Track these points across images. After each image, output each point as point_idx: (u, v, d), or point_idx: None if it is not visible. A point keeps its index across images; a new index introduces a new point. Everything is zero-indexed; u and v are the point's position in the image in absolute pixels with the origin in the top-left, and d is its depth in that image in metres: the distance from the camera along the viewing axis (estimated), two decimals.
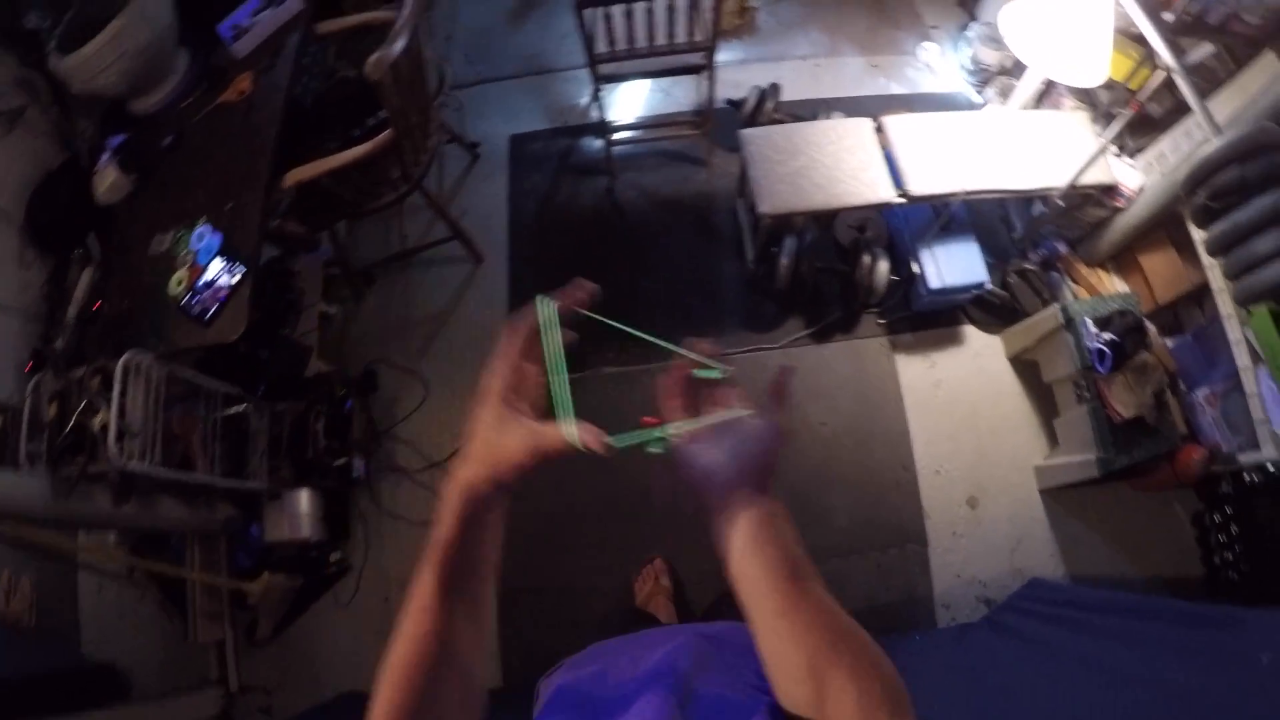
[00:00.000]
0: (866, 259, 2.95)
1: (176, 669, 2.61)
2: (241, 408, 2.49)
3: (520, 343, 0.72)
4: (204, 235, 2.25)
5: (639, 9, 2.57)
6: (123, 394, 1.95)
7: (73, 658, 2.53)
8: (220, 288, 2.17)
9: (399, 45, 2.17)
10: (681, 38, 2.71)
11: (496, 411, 0.69)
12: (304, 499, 2.59)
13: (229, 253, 2.20)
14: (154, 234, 2.32)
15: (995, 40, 3.41)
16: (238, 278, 2.18)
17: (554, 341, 0.72)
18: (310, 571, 2.70)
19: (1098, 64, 2.39)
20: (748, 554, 0.74)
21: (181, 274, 2.21)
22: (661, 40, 2.70)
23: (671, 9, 2.60)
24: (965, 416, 3.00)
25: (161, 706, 2.42)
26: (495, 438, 0.68)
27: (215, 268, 2.19)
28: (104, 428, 1.93)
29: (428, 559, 0.70)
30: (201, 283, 2.18)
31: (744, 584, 0.74)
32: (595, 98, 2.94)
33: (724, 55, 3.00)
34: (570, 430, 0.66)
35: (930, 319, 3.18)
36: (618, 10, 2.58)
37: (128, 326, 2.21)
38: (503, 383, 0.70)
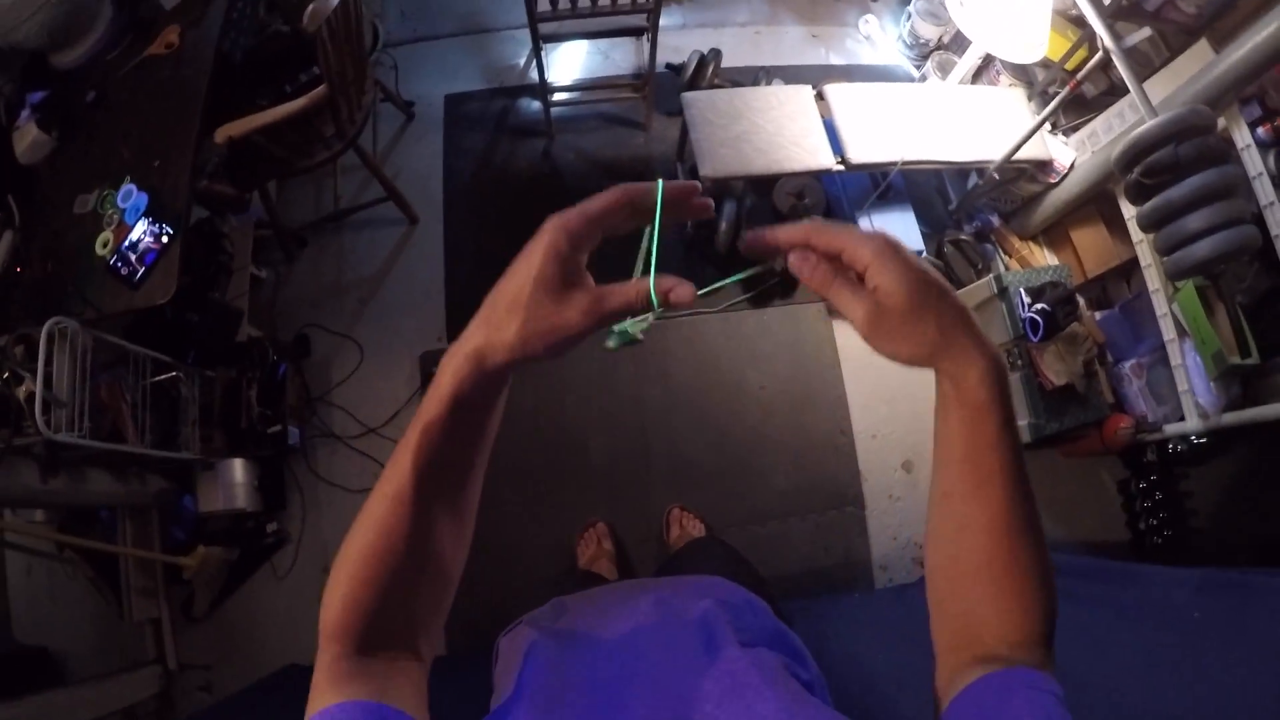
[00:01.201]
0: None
1: (112, 649, 2.54)
2: (171, 375, 2.41)
3: (622, 206, 0.62)
4: (130, 194, 2.17)
5: None
6: (48, 362, 1.88)
7: (3, 642, 2.46)
8: (148, 249, 2.10)
9: None
10: None
11: (555, 266, 0.58)
12: (238, 468, 2.53)
13: (157, 212, 2.12)
14: (78, 194, 2.23)
15: (935, 15, 3.46)
16: (166, 238, 2.10)
17: (655, 224, 0.65)
18: (247, 543, 2.65)
19: (1037, 41, 2.44)
20: (940, 419, 0.66)
21: (107, 235, 2.14)
22: (604, 0, 2.65)
23: None
24: (900, 382, 3.04)
25: (98, 688, 2.32)
26: (541, 296, 0.58)
27: (142, 228, 2.11)
28: (29, 398, 1.85)
29: (409, 440, 0.61)
30: (128, 243, 2.10)
31: (935, 445, 0.68)
32: (537, 56, 2.88)
33: (664, 20, 2.96)
34: (650, 285, 0.60)
35: None
36: None
37: (52, 291, 2.13)
38: (574, 237, 0.59)
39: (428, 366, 2.90)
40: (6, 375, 1.89)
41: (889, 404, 3.04)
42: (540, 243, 0.59)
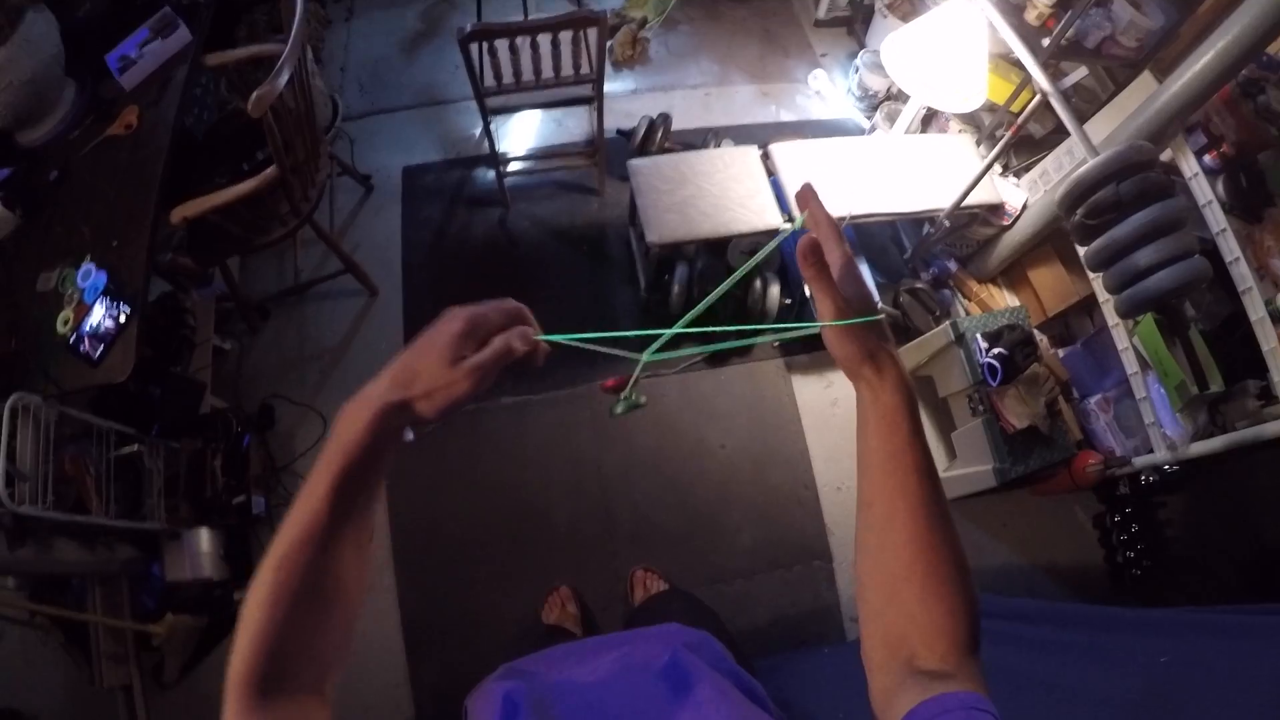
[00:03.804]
0: (758, 284, 2.99)
1: (85, 715, 2.55)
2: (135, 448, 2.45)
3: (512, 317, 0.72)
4: (89, 273, 2.21)
5: (523, 43, 2.57)
6: (11, 436, 1.92)
7: None
8: (107, 327, 2.14)
9: (281, 80, 2.16)
10: (568, 70, 2.73)
11: (457, 348, 0.67)
12: (204, 538, 2.55)
13: (115, 291, 2.16)
14: (41, 271, 2.27)
15: (880, 67, 3.47)
16: (124, 317, 2.15)
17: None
18: (214, 611, 2.65)
19: (973, 90, 2.46)
20: (860, 431, 0.77)
21: (68, 313, 2.18)
22: (549, 73, 2.70)
23: (556, 43, 2.60)
24: None
25: None
26: (443, 369, 0.67)
27: (101, 307, 2.15)
28: None
29: (323, 482, 0.67)
30: (88, 322, 2.14)
31: (857, 458, 0.77)
32: (486, 129, 2.94)
33: (616, 85, 3.01)
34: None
35: None
36: (502, 44, 2.58)
37: (15, 366, 2.16)
38: (477, 328, 0.69)
39: None
40: None
41: (852, 456, 2.95)
42: (449, 328, 0.68)
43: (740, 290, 3.05)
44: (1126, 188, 2.04)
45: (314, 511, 0.66)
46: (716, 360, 3.16)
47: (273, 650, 0.64)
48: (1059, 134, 2.85)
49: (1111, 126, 2.47)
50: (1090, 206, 2.11)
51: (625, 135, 3.51)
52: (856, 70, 3.67)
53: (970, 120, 3.12)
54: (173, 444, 2.59)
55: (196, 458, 2.62)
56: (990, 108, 2.86)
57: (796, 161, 2.85)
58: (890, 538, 0.70)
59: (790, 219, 0.71)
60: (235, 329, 3.09)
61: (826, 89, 3.87)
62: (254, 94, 2.10)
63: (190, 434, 2.64)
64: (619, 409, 0.84)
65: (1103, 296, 2.57)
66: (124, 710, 2.54)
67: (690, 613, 1.41)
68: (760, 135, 3.19)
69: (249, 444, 2.71)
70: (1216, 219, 2.26)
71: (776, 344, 3.17)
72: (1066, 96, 2.38)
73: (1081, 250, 2.34)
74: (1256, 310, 2.17)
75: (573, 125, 3.67)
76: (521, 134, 3.71)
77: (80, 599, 2.51)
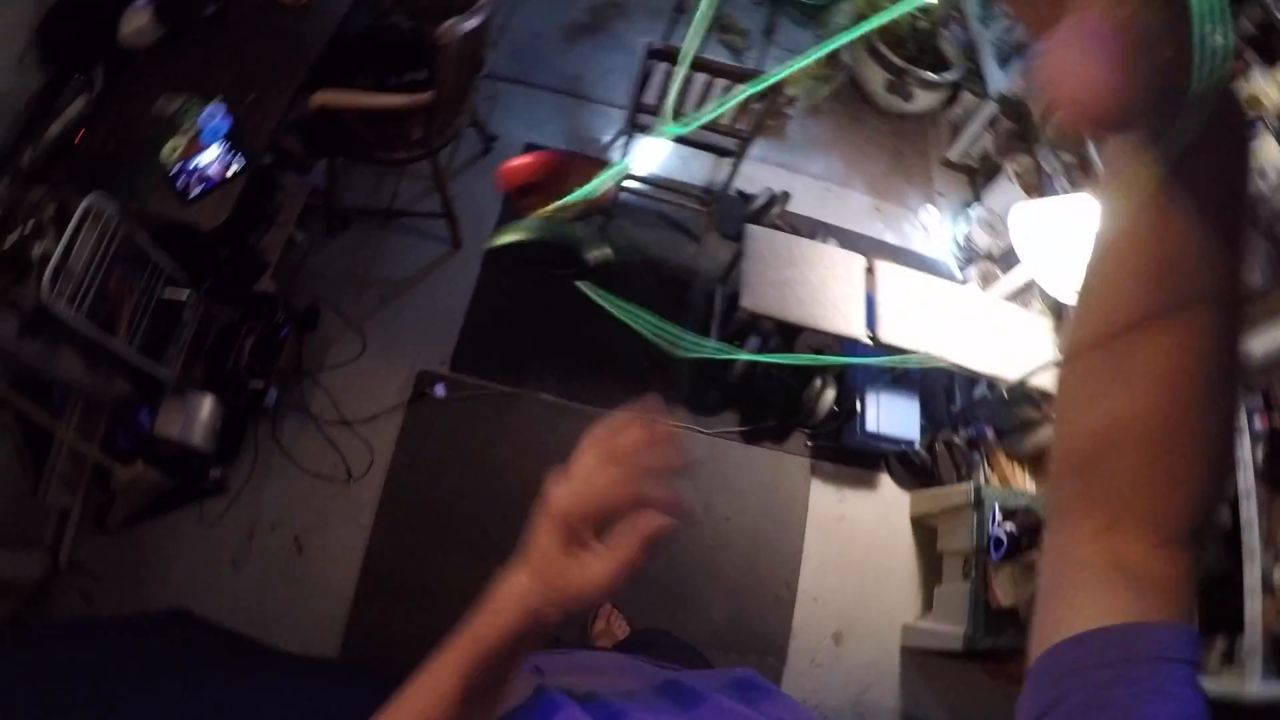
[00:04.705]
0: (818, 382, 3.04)
1: (12, 523, 2.43)
2: (182, 295, 2.43)
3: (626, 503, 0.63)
4: (215, 115, 2.21)
5: (699, 79, 2.63)
6: (75, 232, 1.90)
7: None
8: (213, 172, 2.14)
9: (475, 20, 2.21)
10: (726, 120, 2.79)
11: (577, 536, 0.62)
12: (207, 405, 2.51)
13: (235, 142, 2.17)
14: (164, 93, 2.26)
15: (992, 227, 3.60)
16: (234, 170, 2.15)
17: None
18: (185, 478, 2.59)
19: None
20: (1122, 218, 0.47)
21: (178, 142, 2.17)
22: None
23: (728, 91, 2.64)
24: (857, 557, 3.06)
25: None
26: (577, 568, 0.62)
27: (214, 151, 2.15)
28: (43, 258, 1.86)
29: (454, 662, 0.65)
30: (195, 160, 2.14)
31: (1094, 271, 0.50)
32: (626, 139, 3.01)
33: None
34: None
35: (854, 457, 3.26)
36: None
37: (104, 169, 2.15)
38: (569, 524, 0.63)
39: (422, 385, 2.93)
40: (30, 227, 1.90)
41: (839, 573, 3.05)
42: (569, 514, 0.63)
43: (799, 384, 3.11)
44: None
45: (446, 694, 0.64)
46: (751, 438, 3.18)
47: None
48: None
49: None
50: None
51: (744, 197, 3.57)
52: (967, 220, 3.78)
53: (1052, 305, 3.21)
54: (216, 307, 2.56)
55: (231, 329, 2.60)
56: None
57: (895, 285, 2.91)
58: (1141, 387, 0.46)
59: None
60: (314, 226, 3.08)
61: (933, 226, 3.97)
62: (447, 22, 2.14)
63: (236, 304, 2.63)
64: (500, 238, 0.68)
65: None
66: (52, 533, 2.47)
67: (694, 658, 1.41)
68: (861, 245, 3.26)
69: (286, 336, 2.69)
70: (1245, 481, 2.31)
71: (809, 443, 3.21)
72: None
73: None
74: (1252, 576, 2.21)
75: (695, 167, 3.69)
76: (646, 157, 3.69)
77: (57, 409, 2.43)
